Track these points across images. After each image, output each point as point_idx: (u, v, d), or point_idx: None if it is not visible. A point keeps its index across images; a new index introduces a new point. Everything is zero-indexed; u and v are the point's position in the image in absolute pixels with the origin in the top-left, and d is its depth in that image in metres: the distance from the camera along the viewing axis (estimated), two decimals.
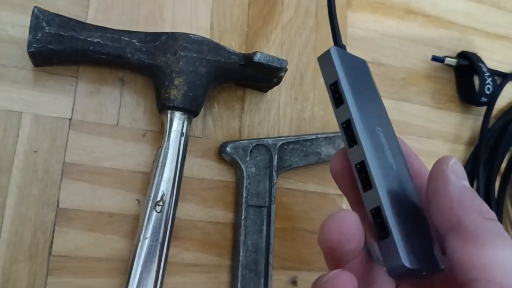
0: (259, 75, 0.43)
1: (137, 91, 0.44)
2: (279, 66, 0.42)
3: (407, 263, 0.24)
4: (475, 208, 0.25)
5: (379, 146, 0.29)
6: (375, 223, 0.26)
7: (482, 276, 0.22)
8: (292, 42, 0.51)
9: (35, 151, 0.40)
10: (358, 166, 0.28)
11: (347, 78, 0.30)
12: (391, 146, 0.30)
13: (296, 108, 0.49)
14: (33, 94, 0.41)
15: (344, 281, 0.25)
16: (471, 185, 0.55)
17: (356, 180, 0.28)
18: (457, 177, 0.25)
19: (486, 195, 0.54)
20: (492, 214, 0.25)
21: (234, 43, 0.48)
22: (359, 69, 0.33)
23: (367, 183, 0.27)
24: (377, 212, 0.26)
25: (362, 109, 0.29)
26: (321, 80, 0.51)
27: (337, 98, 0.30)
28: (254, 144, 0.45)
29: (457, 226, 0.24)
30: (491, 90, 0.55)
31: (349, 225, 0.26)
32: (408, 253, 0.25)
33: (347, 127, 0.29)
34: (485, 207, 0.25)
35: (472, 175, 0.55)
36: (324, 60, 0.31)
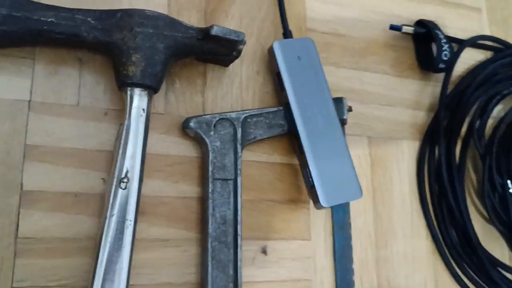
0: (218, 49, 0.44)
1: (96, 70, 0.44)
2: (236, 38, 0.42)
3: (325, 204, 0.43)
4: None
5: (315, 127, 0.43)
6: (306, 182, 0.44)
7: None
8: (252, 16, 0.51)
9: None
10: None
11: (287, 69, 0.41)
12: (327, 120, 0.44)
13: (258, 81, 0.50)
14: None
15: None
16: (433, 151, 0.56)
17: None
18: None
19: (447, 159, 0.55)
20: None
21: (192, 19, 0.48)
22: (303, 51, 0.40)
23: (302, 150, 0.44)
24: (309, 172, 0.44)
25: (299, 94, 0.42)
26: None
27: (280, 84, 0.41)
28: (218, 118, 0.46)
29: None
30: (448, 56, 0.56)
31: None
32: (327, 195, 0.43)
33: (287, 109, 0.42)
34: None
35: (433, 141, 0.56)
36: (270, 53, 0.41)
